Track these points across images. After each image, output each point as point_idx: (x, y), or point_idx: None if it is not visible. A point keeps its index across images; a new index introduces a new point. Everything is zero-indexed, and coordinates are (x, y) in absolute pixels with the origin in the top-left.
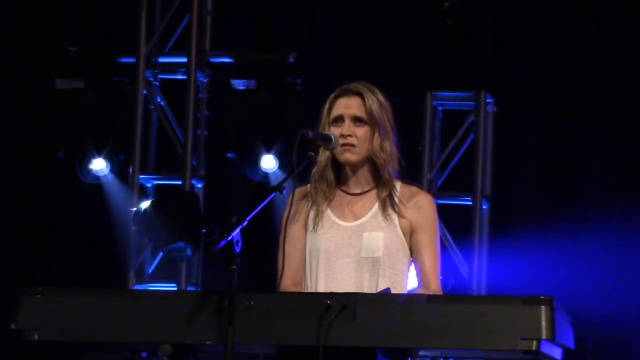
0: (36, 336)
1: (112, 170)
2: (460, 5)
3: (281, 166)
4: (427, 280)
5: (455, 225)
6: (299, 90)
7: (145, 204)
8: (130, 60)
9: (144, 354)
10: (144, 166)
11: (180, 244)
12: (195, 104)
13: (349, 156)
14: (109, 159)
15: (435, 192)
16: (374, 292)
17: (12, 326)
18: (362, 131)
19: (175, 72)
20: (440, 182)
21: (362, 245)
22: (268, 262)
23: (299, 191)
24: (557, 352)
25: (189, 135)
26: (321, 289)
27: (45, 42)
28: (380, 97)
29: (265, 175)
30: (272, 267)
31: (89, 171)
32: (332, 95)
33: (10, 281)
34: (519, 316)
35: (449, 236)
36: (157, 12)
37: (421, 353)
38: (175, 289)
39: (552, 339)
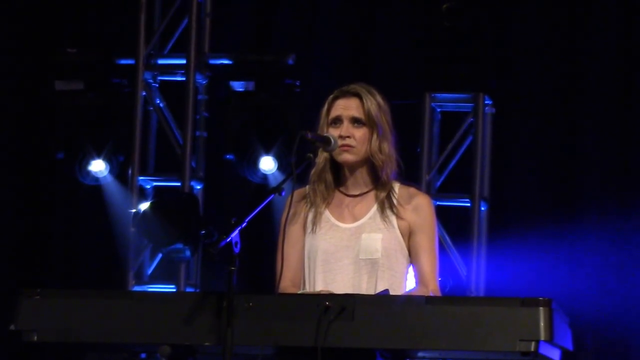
0: (35, 337)
1: (111, 171)
2: (458, 7)
3: (280, 168)
4: (426, 280)
5: (453, 226)
6: (298, 92)
7: (144, 206)
8: (130, 61)
9: (143, 355)
10: (143, 167)
11: (180, 245)
12: (195, 106)
13: (348, 157)
14: (108, 160)
15: (434, 193)
16: (373, 293)
17: (12, 327)
18: (360, 132)
19: (174, 74)
20: (438, 183)
21: (360, 247)
22: (267, 263)
23: (297, 192)
24: (555, 354)
25: (188, 137)
26: (319, 289)
27: (45, 44)
28: (379, 98)
29: (264, 176)
30: (271, 268)
31: (89, 172)
32: (331, 96)
33: (10, 282)
34: (517, 317)
35: (447, 237)
36: (156, 13)
37: (420, 354)
38: (175, 290)
39: (550, 341)
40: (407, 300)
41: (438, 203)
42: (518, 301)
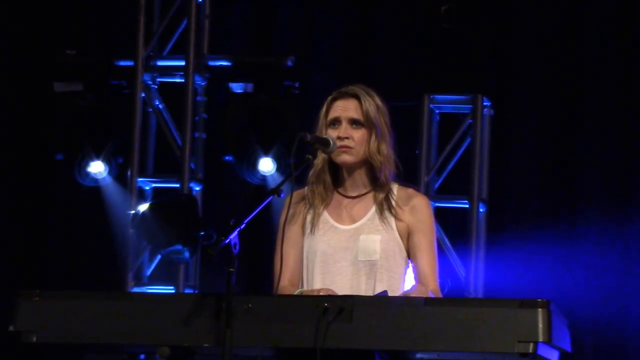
0: (34, 338)
1: (110, 173)
2: (457, 9)
3: (279, 169)
4: (425, 281)
5: (452, 228)
6: (297, 94)
7: (143, 207)
8: (129, 63)
9: (142, 356)
10: (143, 169)
11: (179, 247)
12: (194, 107)
13: (346, 157)
14: (107, 161)
15: (433, 195)
16: (371, 295)
17: (11, 328)
18: (359, 133)
19: (173, 75)
20: (437, 185)
21: (359, 249)
22: (266, 264)
23: (296, 194)
24: (554, 355)
25: (187, 138)
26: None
27: (44, 46)
28: (377, 100)
29: (263, 178)
30: (269, 269)
31: (88, 174)
32: (330, 97)
33: (9, 283)
34: (516, 319)
35: (446, 239)
36: (155, 15)
37: (418, 356)
38: (173, 291)
39: (549, 342)
40: (406, 301)
41: (436, 204)
42: (516, 302)
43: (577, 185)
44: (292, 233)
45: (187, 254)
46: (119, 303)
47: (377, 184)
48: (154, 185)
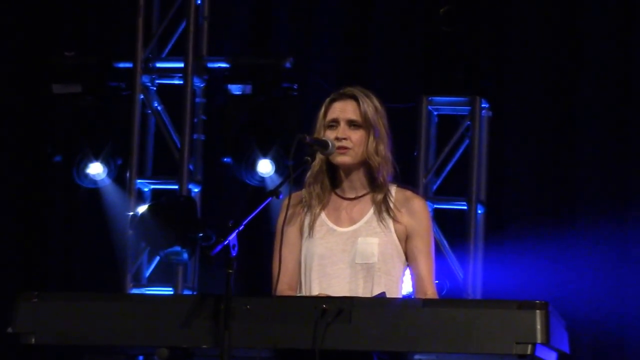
0: (33, 340)
1: (109, 174)
2: (455, 11)
3: (277, 171)
4: (424, 285)
5: (450, 229)
6: (296, 95)
7: (142, 208)
8: (128, 65)
9: (141, 358)
10: (141, 170)
11: (177, 248)
12: (192, 109)
13: (344, 159)
14: (106, 163)
15: (431, 196)
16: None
17: (10, 330)
18: (357, 135)
19: (172, 77)
20: (435, 186)
21: (356, 252)
22: (264, 266)
23: (295, 195)
24: (552, 357)
25: (186, 140)
26: (316, 294)
27: (43, 47)
28: (376, 101)
29: (262, 179)
30: (268, 271)
31: (86, 175)
32: (328, 99)
33: (8, 285)
34: (514, 320)
35: (444, 240)
36: (154, 17)
37: (417, 357)
38: (172, 292)
39: (547, 343)
40: (404, 302)
41: (435, 206)
42: (515, 304)
43: (575, 187)
44: (290, 235)
45: (185, 256)
46: (117, 304)
47: (375, 185)
48: (152, 186)
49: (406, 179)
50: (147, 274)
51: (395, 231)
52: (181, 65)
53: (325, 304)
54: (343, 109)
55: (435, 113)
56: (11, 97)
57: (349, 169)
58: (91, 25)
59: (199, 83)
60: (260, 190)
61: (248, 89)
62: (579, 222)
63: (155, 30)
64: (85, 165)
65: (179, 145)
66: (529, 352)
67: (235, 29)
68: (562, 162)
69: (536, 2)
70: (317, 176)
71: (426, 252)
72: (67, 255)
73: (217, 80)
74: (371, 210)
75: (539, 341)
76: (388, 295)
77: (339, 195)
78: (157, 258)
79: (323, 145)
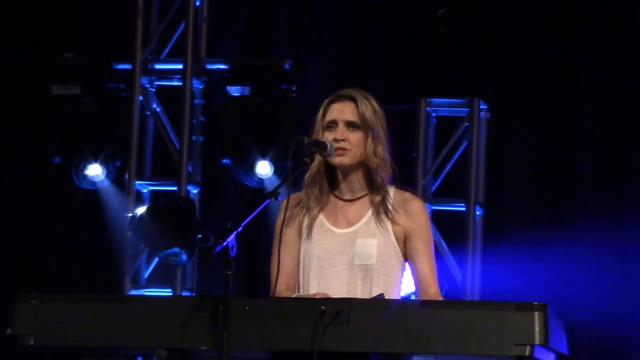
0: (32, 341)
1: (108, 176)
2: (454, 13)
3: (276, 172)
4: (426, 285)
5: (448, 231)
6: (294, 97)
7: (141, 210)
8: (127, 66)
9: (140, 359)
10: (140, 172)
11: (176, 250)
12: (191, 110)
13: (343, 160)
14: (105, 164)
15: (429, 198)
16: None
17: (8, 331)
18: (355, 136)
19: (171, 79)
20: (434, 188)
21: (355, 253)
22: (263, 267)
23: (293, 197)
24: (550, 358)
25: (185, 141)
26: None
27: (42, 49)
28: (374, 102)
29: (261, 181)
30: (266, 272)
31: (85, 177)
32: (326, 100)
33: (6, 286)
34: (512, 322)
35: (442, 242)
36: (153, 19)
37: (415, 358)
38: (171, 294)
39: (545, 345)
40: (403, 304)
41: (433, 207)
42: (513, 305)
43: (573, 188)
44: (288, 236)
45: (184, 257)
46: (116, 305)
47: (373, 186)
48: (151, 188)
49: (404, 180)
50: (146, 275)
51: (394, 232)
52: (180, 66)
53: (323, 305)
54: (341, 111)
55: (434, 114)
56: (10, 98)
57: (347, 171)
58: (90, 27)
59: (197, 84)
60: (259, 191)
61: (247, 90)
62: (577, 224)
63: (154, 31)
64: (84, 167)
65: (177, 147)
66: (527, 353)
67: (234, 31)
68: (560, 163)
69: (535, 4)
70: (315, 177)
71: (426, 252)
72: (66, 257)
73: (216, 81)
74: (369, 212)
75: (537, 342)
76: (386, 297)
77: (337, 197)
78: (156, 259)
79: (321, 146)
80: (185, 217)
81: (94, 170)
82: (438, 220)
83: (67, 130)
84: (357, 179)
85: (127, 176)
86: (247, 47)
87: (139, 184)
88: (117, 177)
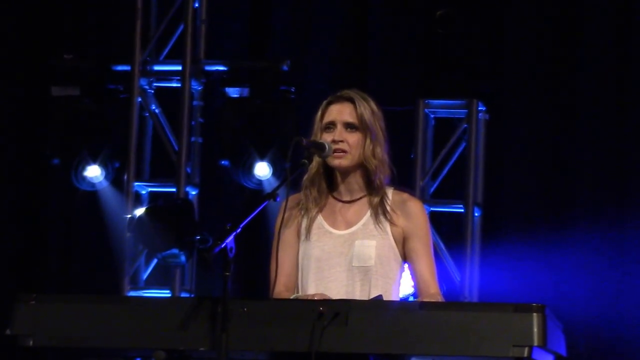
0: (31, 342)
1: (107, 177)
2: (452, 14)
3: (275, 173)
4: (425, 286)
5: (447, 232)
6: (293, 98)
7: (139, 211)
8: (126, 68)
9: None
10: (139, 173)
11: (175, 251)
12: (190, 112)
13: (341, 162)
14: (104, 166)
15: (428, 199)
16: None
17: (8, 332)
18: (354, 137)
19: (170, 80)
20: (432, 189)
21: (353, 254)
22: (261, 268)
23: (292, 198)
24: (548, 359)
25: (184, 143)
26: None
27: (41, 50)
28: (372, 104)
29: (259, 182)
30: (265, 273)
31: (84, 178)
32: (325, 101)
33: (5, 287)
34: (510, 323)
35: (441, 243)
36: (152, 20)
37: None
38: (170, 295)
39: (544, 346)
40: (401, 305)
41: (432, 209)
42: (511, 307)
43: (572, 190)
44: (287, 238)
45: (183, 258)
46: (115, 307)
47: (371, 188)
48: (150, 189)
49: (403, 181)
50: (145, 276)
51: (392, 234)
52: (179, 68)
53: (322, 307)
54: (340, 112)
55: (432, 116)
56: (10, 99)
57: (345, 172)
58: (89, 29)
59: (196, 86)
60: (258, 193)
61: (245, 91)
62: (576, 225)
63: (153, 33)
64: (83, 168)
65: (176, 148)
66: (525, 354)
67: (232, 32)
68: (559, 165)
69: (533, 5)
70: (314, 179)
71: (426, 253)
72: (65, 258)
73: (214, 83)
74: (368, 213)
75: (535, 344)
76: (385, 298)
77: (335, 198)
78: (155, 260)
79: (320, 147)
80: (184, 219)
81: (93, 172)
82: (436, 221)
83: (66, 132)
84: (356, 180)
85: (125, 177)
86: (246, 48)
87: (137, 185)
88: (115, 178)
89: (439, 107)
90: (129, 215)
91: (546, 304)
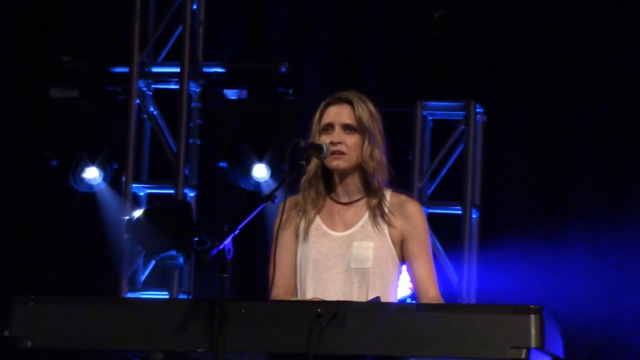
0: (29, 343)
1: (105, 179)
2: (450, 15)
3: (273, 175)
4: (424, 288)
5: (445, 234)
6: (291, 100)
7: (138, 213)
8: (124, 70)
9: None
10: (137, 175)
11: (173, 252)
12: (188, 113)
13: (339, 163)
14: (102, 167)
15: (426, 201)
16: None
17: (6, 333)
18: (352, 139)
19: (168, 82)
20: (430, 191)
21: (351, 256)
22: (259, 270)
23: (290, 200)
24: None
25: (182, 144)
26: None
27: (40, 52)
28: (371, 106)
29: (257, 184)
30: (263, 275)
31: (82, 180)
32: (323, 103)
33: (4, 289)
34: (508, 325)
35: (438, 245)
36: (150, 22)
37: None
38: (167, 296)
39: (541, 348)
40: (399, 307)
41: (429, 210)
42: (509, 309)
43: (569, 192)
44: (285, 239)
45: (181, 260)
46: (113, 308)
47: (370, 190)
48: (148, 191)
49: (401, 183)
50: (143, 278)
51: (390, 235)
52: (177, 70)
53: (319, 309)
54: (338, 113)
55: (430, 118)
56: (8, 101)
57: (343, 174)
58: (88, 30)
59: (194, 88)
60: (256, 194)
61: (244, 93)
62: (573, 227)
63: (151, 35)
64: (82, 170)
65: (174, 150)
66: (523, 356)
67: (231, 34)
68: (556, 166)
69: (531, 7)
70: (311, 181)
71: (424, 254)
72: (63, 259)
73: (212, 85)
74: (366, 215)
75: (533, 346)
76: (383, 300)
77: (333, 200)
78: (153, 262)
79: (318, 149)
80: (182, 220)
81: (91, 173)
82: (434, 223)
83: (65, 133)
84: (354, 182)
85: (124, 179)
86: (244, 50)
87: (135, 187)
88: (114, 180)
89: (437, 109)
90: (127, 217)
91: (544, 306)
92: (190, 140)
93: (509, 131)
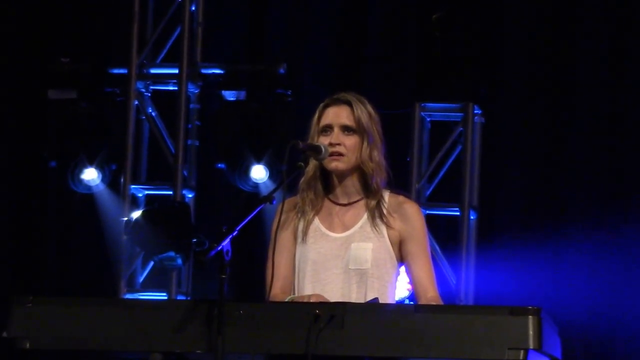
0: (28, 345)
1: (103, 180)
2: (448, 17)
3: (271, 176)
4: (423, 289)
5: (443, 235)
6: (290, 101)
7: (136, 214)
8: (122, 71)
9: None
10: (136, 176)
11: (171, 254)
12: (186, 115)
13: (338, 165)
14: (100, 169)
15: (423, 202)
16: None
17: (4, 334)
18: (351, 140)
19: (166, 83)
20: (428, 192)
21: (350, 257)
22: (258, 271)
23: (288, 201)
24: None
25: (180, 146)
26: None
27: (38, 53)
28: (369, 107)
29: (256, 185)
30: (261, 276)
31: (81, 181)
32: (322, 104)
33: (3, 289)
34: (506, 326)
35: (436, 246)
36: (148, 23)
37: None
38: (166, 298)
39: (539, 349)
40: (397, 308)
41: (427, 212)
42: (507, 310)
43: (567, 193)
44: (283, 241)
45: (179, 261)
46: (111, 309)
47: (368, 191)
48: (147, 192)
49: (399, 184)
50: (141, 279)
51: (389, 236)
52: (175, 71)
53: (318, 310)
54: (337, 114)
55: (428, 119)
56: (7, 102)
57: (342, 175)
58: (86, 32)
59: (193, 89)
60: (254, 196)
61: (242, 95)
62: (571, 228)
63: (149, 36)
64: (80, 171)
65: (173, 151)
66: (521, 357)
67: (229, 35)
68: (555, 168)
69: (529, 9)
70: (310, 182)
71: (423, 255)
72: (62, 260)
73: (211, 86)
74: (365, 216)
75: (531, 347)
76: (381, 301)
77: (332, 201)
78: (151, 263)
79: (316, 150)
80: (181, 222)
81: (90, 175)
82: (432, 224)
83: (63, 135)
84: (353, 183)
85: (122, 180)
86: (243, 51)
87: (134, 188)
88: (112, 181)
89: (435, 111)
90: (126, 218)
91: (542, 307)
92: (189, 142)
93: (507, 133)
